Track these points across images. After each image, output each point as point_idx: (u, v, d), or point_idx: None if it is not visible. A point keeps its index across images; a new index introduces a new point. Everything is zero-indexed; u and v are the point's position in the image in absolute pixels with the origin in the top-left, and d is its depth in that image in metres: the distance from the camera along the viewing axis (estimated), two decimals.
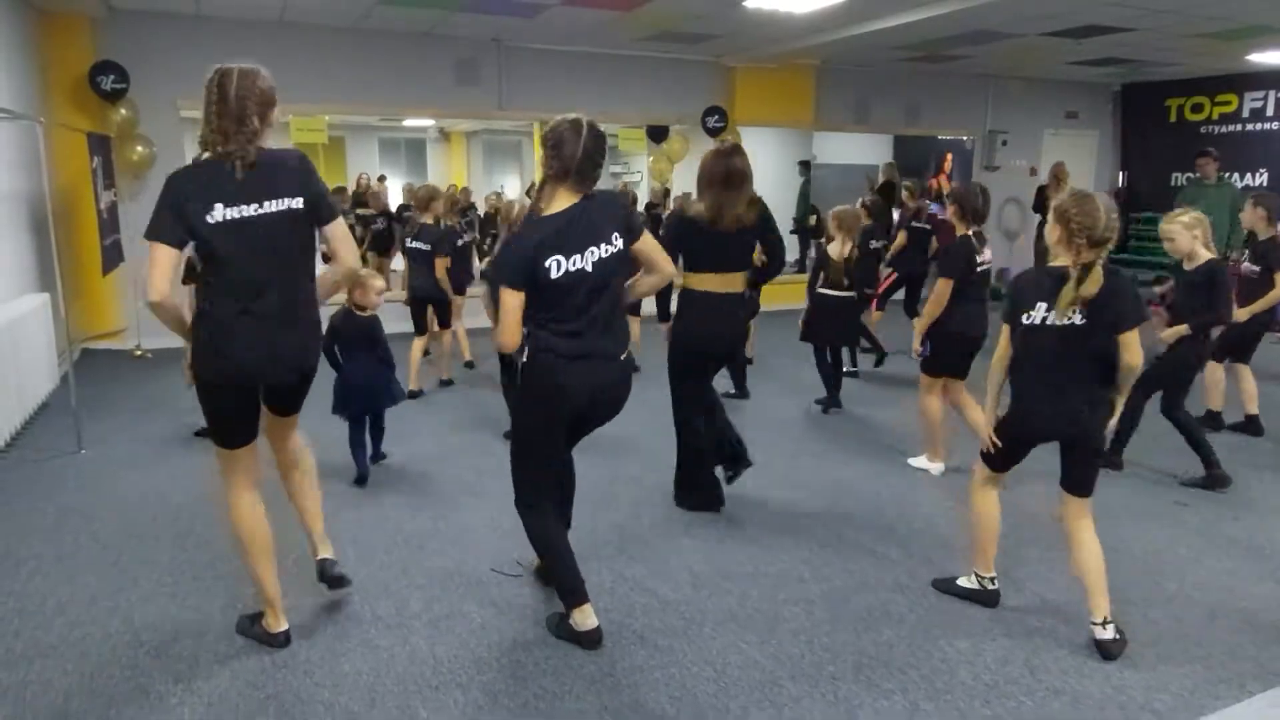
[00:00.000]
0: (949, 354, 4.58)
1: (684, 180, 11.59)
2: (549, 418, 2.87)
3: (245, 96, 2.53)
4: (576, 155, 2.68)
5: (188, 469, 4.73)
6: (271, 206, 2.57)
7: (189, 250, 2.65)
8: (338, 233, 2.76)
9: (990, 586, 3.31)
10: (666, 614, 3.24)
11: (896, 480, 4.75)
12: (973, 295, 4.51)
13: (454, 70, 8.74)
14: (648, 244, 2.94)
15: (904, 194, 8.21)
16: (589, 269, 2.70)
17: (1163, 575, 3.62)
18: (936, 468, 4.82)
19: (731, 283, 3.88)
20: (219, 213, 2.51)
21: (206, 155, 2.58)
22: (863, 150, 14.88)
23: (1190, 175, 10.36)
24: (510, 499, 3.07)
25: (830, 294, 5.82)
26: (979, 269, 4.51)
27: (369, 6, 7.27)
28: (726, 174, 3.74)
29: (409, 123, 18.63)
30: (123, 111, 7.31)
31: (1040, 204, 10.28)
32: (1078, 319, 2.84)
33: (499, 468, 4.75)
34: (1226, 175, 9.86)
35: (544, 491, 3.05)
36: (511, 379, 3.08)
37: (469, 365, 7.25)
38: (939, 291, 4.42)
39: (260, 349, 2.64)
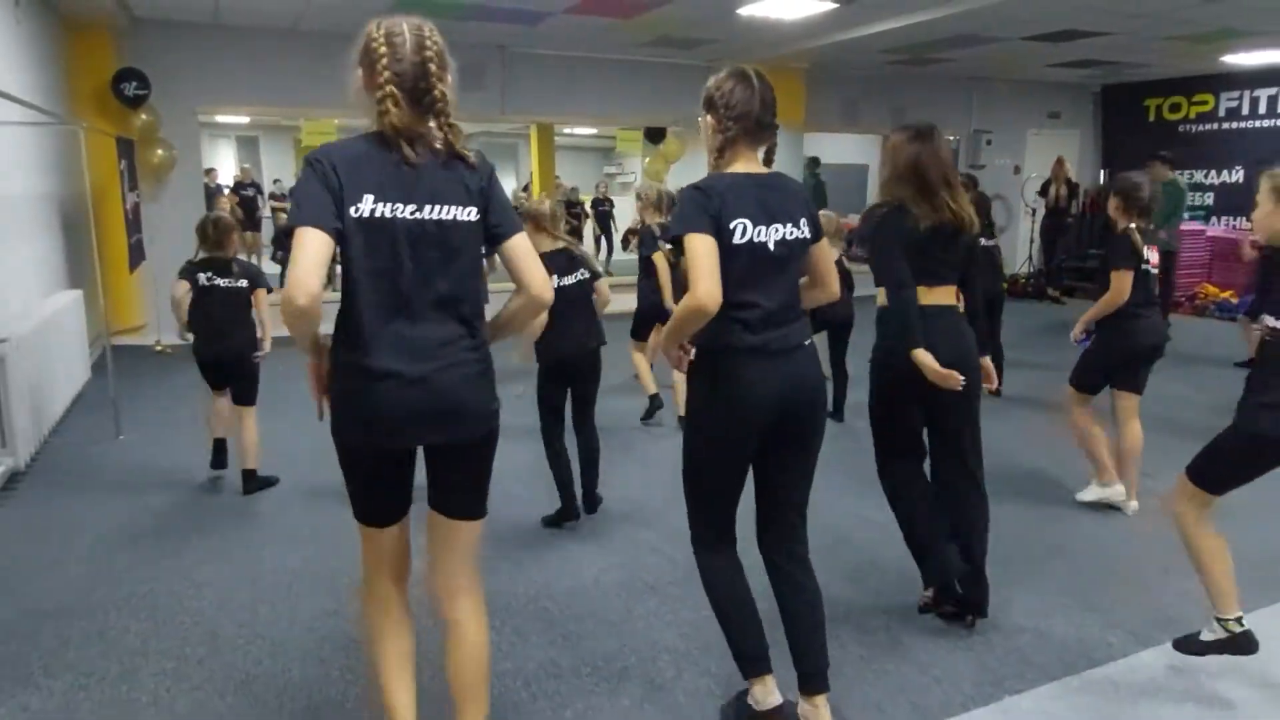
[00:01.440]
0: (1110, 361, 4.11)
1: (680, 181, 11.99)
2: (724, 430, 2.35)
3: (426, 59, 1.91)
4: (754, 110, 2.29)
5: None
6: (437, 213, 1.94)
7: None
8: (520, 250, 2.07)
9: (1238, 629, 2.70)
10: (675, 569, 3.59)
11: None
12: (1138, 299, 3.98)
13: (459, 75, 8.95)
14: (825, 252, 2.46)
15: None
16: (771, 246, 2.28)
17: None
18: (1115, 492, 4.22)
19: (943, 297, 3.01)
20: (367, 206, 1.88)
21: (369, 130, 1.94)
22: (849, 150, 15.28)
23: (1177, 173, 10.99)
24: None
25: None
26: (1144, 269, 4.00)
27: (384, 12, 7.62)
28: (921, 164, 2.90)
29: None
30: (143, 116, 7.64)
31: (1044, 190, 11.60)
32: None
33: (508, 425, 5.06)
34: (1179, 173, 10.32)
35: (722, 526, 2.47)
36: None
37: None
38: (1118, 285, 3.92)
39: (396, 401, 1.93)
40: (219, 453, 4.57)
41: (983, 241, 6.12)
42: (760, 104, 2.29)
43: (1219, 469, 2.68)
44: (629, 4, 7.20)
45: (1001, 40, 8.92)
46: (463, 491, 2.17)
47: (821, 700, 2.40)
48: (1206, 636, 2.76)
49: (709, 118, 2.34)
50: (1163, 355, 4.16)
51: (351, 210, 1.87)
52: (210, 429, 4.58)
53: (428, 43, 1.93)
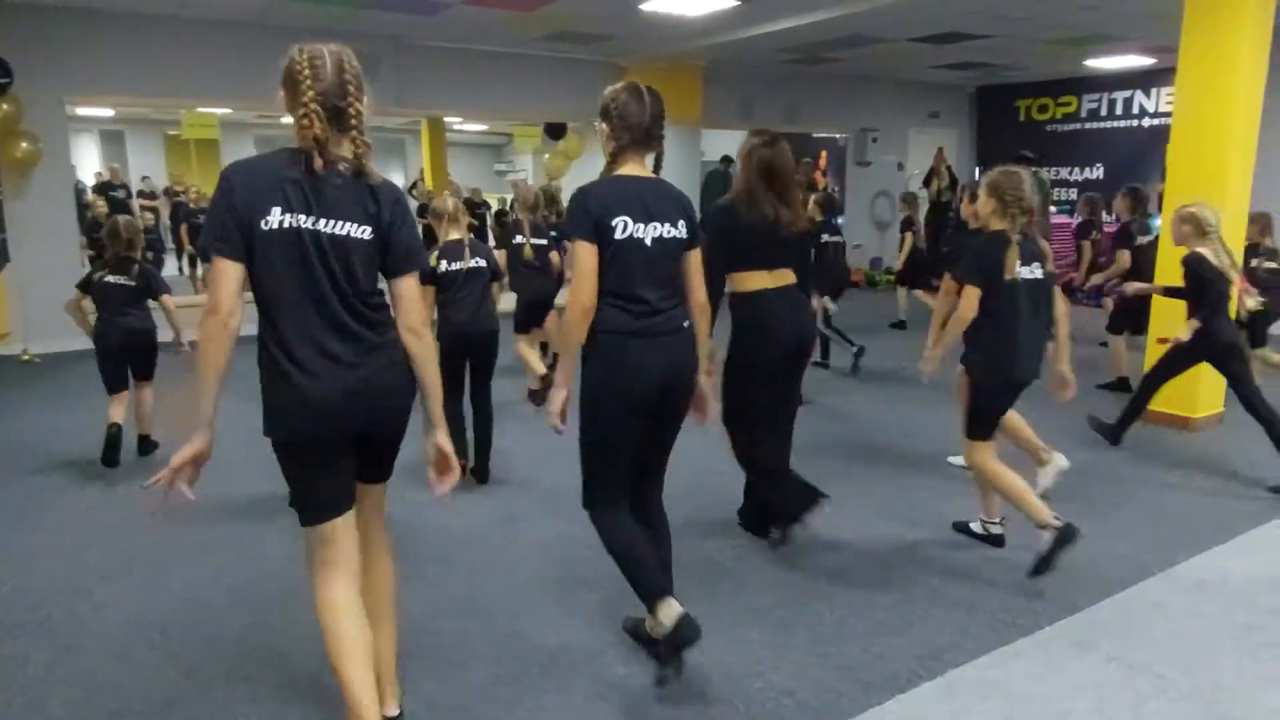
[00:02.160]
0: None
1: (580, 179, 11.92)
2: (619, 402, 2.62)
3: (345, 80, 2.06)
4: (644, 122, 2.60)
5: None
6: (332, 228, 2.08)
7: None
8: (407, 290, 2.22)
9: (1060, 525, 3.28)
10: (613, 565, 3.55)
11: None
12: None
13: None
14: (697, 260, 2.73)
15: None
16: (648, 242, 2.59)
17: None
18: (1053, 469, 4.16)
19: (784, 278, 3.52)
20: (275, 219, 2.03)
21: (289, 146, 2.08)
22: (733, 148, 15.60)
23: (1036, 169, 11.79)
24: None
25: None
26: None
27: (270, 1, 7.27)
28: (770, 167, 3.43)
29: (287, 119, 18.18)
30: (4, 106, 7.04)
31: (927, 182, 11.83)
32: (1040, 274, 3.37)
33: None
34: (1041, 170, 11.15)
35: (616, 488, 2.73)
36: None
37: None
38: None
39: (318, 393, 2.08)
40: (112, 447, 4.55)
41: (827, 238, 6.59)
42: (650, 117, 2.61)
43: (982, 420, 3.50)
44: None
45: (889, 41, 9.25)
46: (380, 464, 2.35)
47: (671, 600, 2.65)
48: (1045, 543, 3.29)
49: (604, 125, 2.64)
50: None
51: (261, 224, 2.03)
52: (110, 416, 4.62)
53: (347, 66, 2.10)
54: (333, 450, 2.17)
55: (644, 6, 7.32)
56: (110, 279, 4.61)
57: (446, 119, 13.89)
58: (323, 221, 2.07)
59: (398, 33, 8.71)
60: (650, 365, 2.61)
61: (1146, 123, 11.93)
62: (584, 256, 2.53)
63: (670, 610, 2.60)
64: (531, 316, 6.02)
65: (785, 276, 3.52)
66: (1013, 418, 4.03)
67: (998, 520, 3.73)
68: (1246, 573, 3.52)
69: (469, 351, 4.42)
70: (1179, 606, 3.21)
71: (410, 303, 2.22)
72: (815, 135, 13.65)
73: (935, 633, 3.01)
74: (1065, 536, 3.24)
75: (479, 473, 4.51)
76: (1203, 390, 5.54)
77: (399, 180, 20.29)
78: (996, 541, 3.72)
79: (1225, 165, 5.34)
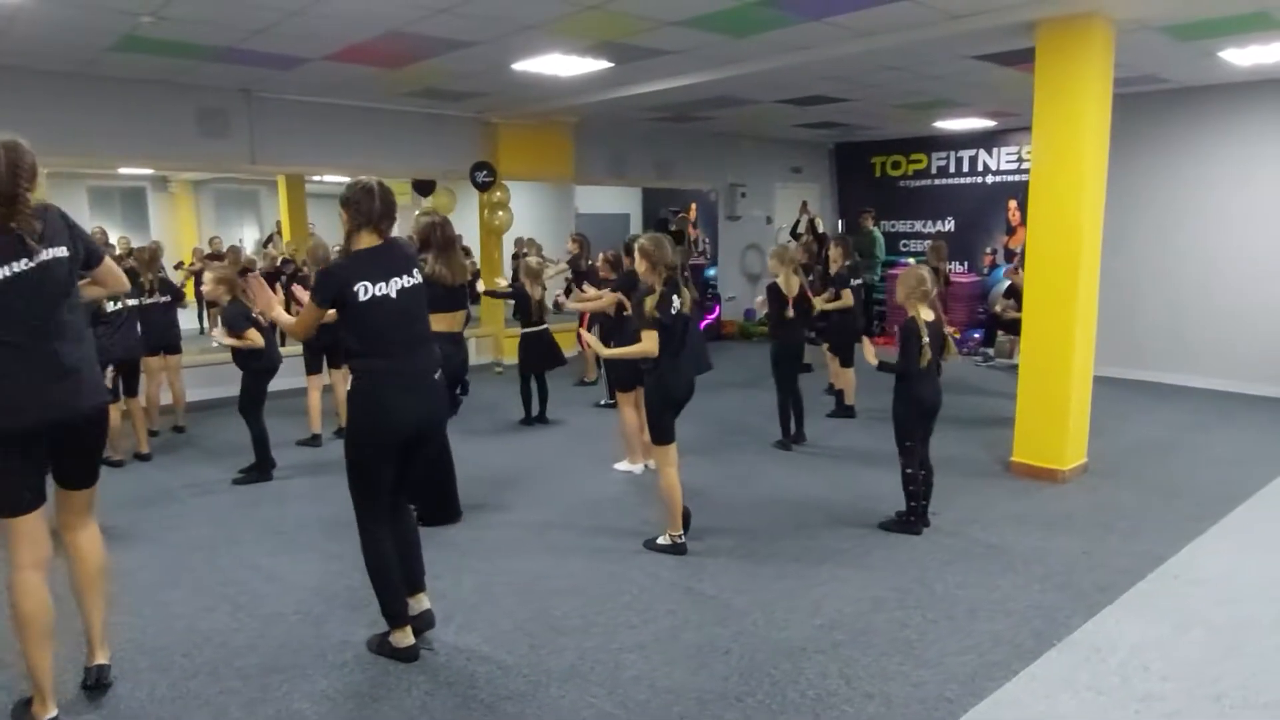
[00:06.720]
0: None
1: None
2: (379, 441, 3.21)
3: (18, 173, 2.76)
4: (375, 209, 3.19)
5: None
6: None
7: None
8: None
9: (681, 540, 4.45)
10: (522, 679, 3.27)
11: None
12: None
13: (197, 121, 8.16)
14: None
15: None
16: (393, 295, 3.18)
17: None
18: (637, 468, 5.98)
19: (449, 324, 4.74)
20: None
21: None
22: (612, 200, 15.62)
23: (893, 222, 12.47)
24: None
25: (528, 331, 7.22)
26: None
27: (98, 52, 6.66)
28: (434, 234, 4.66)
29: (125, 170, 16.90)
30: None
31: (794, 233, 12.33)
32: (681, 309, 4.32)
33: None
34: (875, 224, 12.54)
35: (380, 515, 3.30)
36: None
37: (153, 434, 6.90)
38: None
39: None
40: None
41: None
42: (380, 205, 3.21)
43: (661, 427, 4.34)
44: (396, 54, 6.81)
45: (757, 102, 9.46)
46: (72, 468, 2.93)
47: (409, 628, 3.38)
48: (663, 541, 4.45)
49: (344, 213, 3.22)
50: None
51: None
52: None
53: (21, 159, 2.76)
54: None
55: (516, 66, 7.16)
56: None
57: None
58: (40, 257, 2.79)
59: (247, 85, 8.19)
60: (407, 409, 3.21)
61: (990, 179, 12.70)
62: (309, 313, 3.26)
63: (405, 637, 3.35)
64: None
65: (452, 322, 4.80)
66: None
67: (681, 533, 4.47)
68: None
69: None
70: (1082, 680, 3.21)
71: None
72: (685, 189, 13.84)
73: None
74: (677, 549, 4.42)
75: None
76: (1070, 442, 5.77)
77: (254, 234, 19.18)
78: (680, 549, 4.43)
79: (1079, 215, 5.57)
